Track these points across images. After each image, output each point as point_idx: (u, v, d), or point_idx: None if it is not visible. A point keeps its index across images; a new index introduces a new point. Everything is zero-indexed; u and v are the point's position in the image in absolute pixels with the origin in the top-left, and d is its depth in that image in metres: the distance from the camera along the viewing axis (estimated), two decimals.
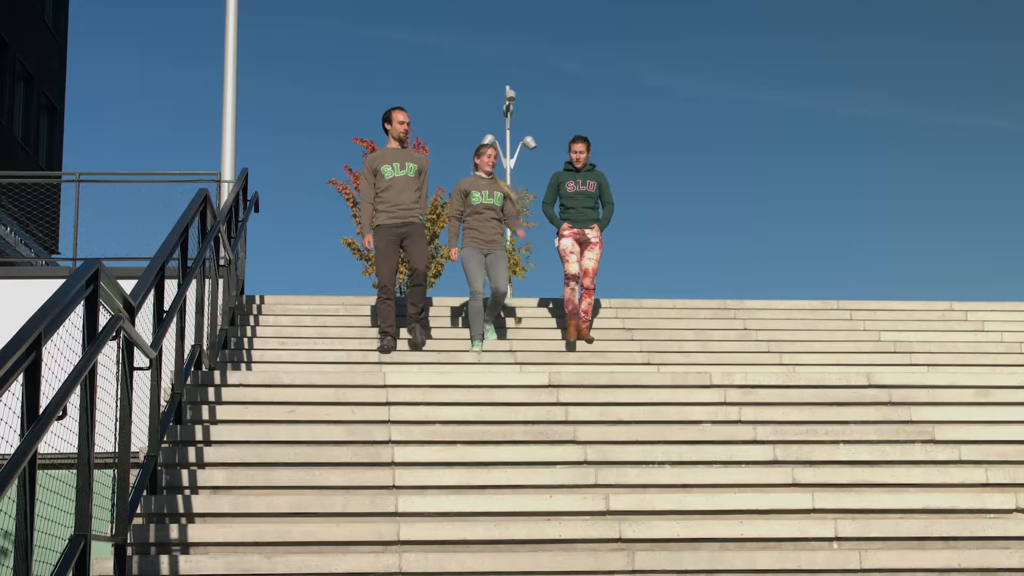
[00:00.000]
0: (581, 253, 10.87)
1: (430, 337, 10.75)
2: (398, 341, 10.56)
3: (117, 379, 6.13)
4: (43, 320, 4.59)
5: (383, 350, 10.27)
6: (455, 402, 8.30)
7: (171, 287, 7.85)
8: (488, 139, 30.90)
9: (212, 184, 15.01)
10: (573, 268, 10.74)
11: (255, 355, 10.21)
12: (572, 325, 10.71)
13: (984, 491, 7.38)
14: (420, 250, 10.62)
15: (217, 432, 7.77)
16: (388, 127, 10.95)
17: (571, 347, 10.65)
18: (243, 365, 9.99)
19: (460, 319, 11.22)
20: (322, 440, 7.74)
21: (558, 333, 11.05)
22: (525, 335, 11.02)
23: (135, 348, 6.29)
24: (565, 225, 10.93)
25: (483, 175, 11.06)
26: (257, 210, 13.50)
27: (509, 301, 12.41)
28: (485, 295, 10.64)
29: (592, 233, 10.93)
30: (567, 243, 10.86)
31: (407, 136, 11.02)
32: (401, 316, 10.93)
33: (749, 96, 59.95)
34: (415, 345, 10.38)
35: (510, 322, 11.22)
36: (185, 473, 7.11)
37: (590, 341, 10.72)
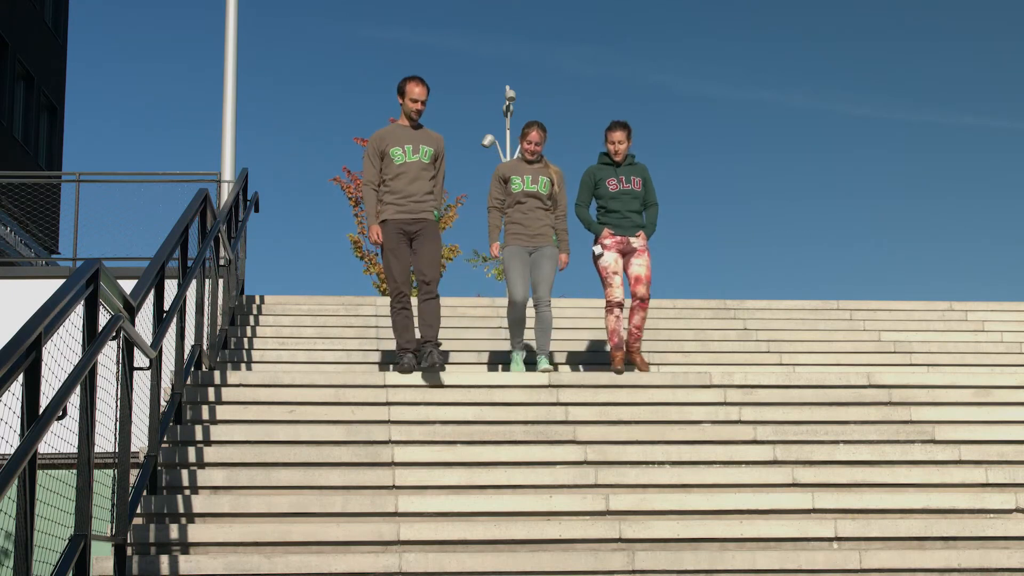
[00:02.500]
0: (627, 263, 9.24)
1: (448, 361, 9.49)
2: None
3: (117, 379, 6.13)
4: (43, 320, 4.60)
5: (402, 368, 8.62)
6: (455, 402, 8.29)
7: (171, 287, 7.86)
8: (488, 139, 30.91)
9: (212, 184, 15.02)
10: (617, 294, 9.13)
11: (255, 355, 10.20)
12: (618, 356, 9.13)
13: (984, 491, 7.38)
14: (431, 254, 8.91)
15: (217, 432, 7.77)
16: (401, 101, 9.10)
17: (619, 373, 8.98)
18: (243, 365, 9.99)
19: (461, 320, 11.19)
20: (322, 440, 7.74)
21: (555, 334, 11.04)
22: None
23: (135, 348, 6.29)
24: (606, 231, 9.24)
25: (527, 159, 9.50)
26: (257, 210, 13.51)
27: None
28: (525, 302, 9.30)
29: (638, 242, 9.26)
30: (610, 259, 9.17)
31: (419, 116, 9.10)
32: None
33: (749, 96, 59.97)
34: (431, 365, 8.57)
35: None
36: (185, 473, 7.11)
37: (645, 368, 9.20)
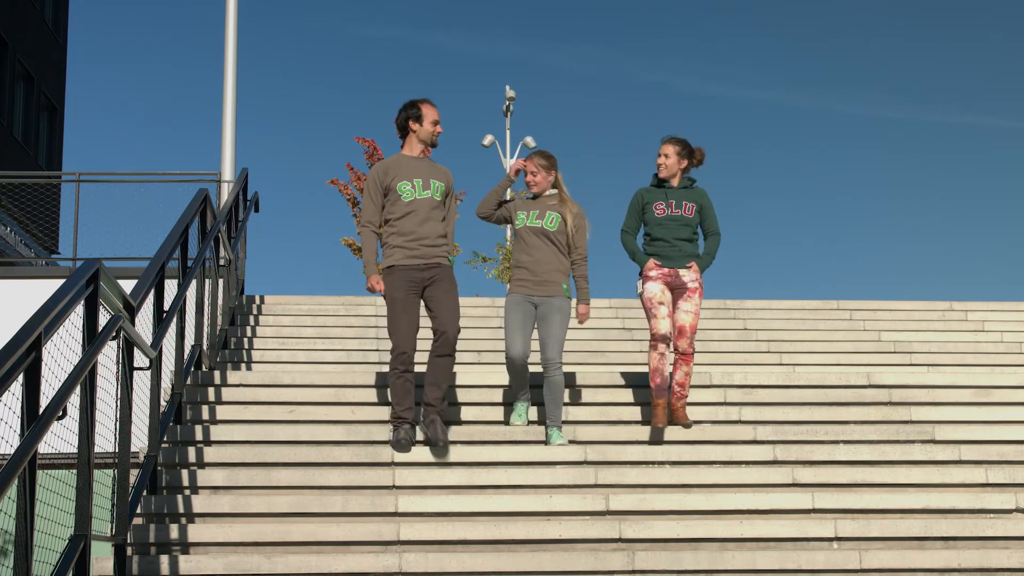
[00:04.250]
0: (674, 302, 8.00)
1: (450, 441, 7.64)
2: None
3: (117, 379, 6.13)
4: (43, 320, 4.60)
5: (399, 445, 7.39)
6: (455, 402, 8.29)
7: (171, 287, 7.86)
8: (488, 139, 30.88)
9: (212, 184, 15.03)
10: (663, 326, 7.88)
11: (255, 355, 10.20)
12: (660, 406, 7.85)
13: (984, 491, 7.38)
14: (450, 305, 7.55)
15: (217, 432, 7.77)
16: (414, 127, 7.71)
17: (658, 436, 7.82)
18: (243, 365, 9.99)
19: (460, 320, 11.14)
20: (322, 440, 7.74)
21: None
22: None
23: (135, 348, 6.29)
24: (651, 262, 7.99)
25: (540, 192, 8.04)
26: (257, 210, 13.52)
27: None
28: (524, 358, 7.79)
29: (689, 275, 7.98)
30: (654, 290, 7.93)
31: (436, 143, 7.86)
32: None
33: (749, 96, 59.97)
34: (434, 442, 7.41)
35: None
36: (185, 473, 7.11)
37: (688, 426, 7.93)
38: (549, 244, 7.90)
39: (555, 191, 8.03)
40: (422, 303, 7.63)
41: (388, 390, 7.75)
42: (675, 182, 8.15)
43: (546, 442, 7.73)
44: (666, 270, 8.00)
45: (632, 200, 8.21)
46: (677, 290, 8.01)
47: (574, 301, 8.05)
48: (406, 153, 7.80)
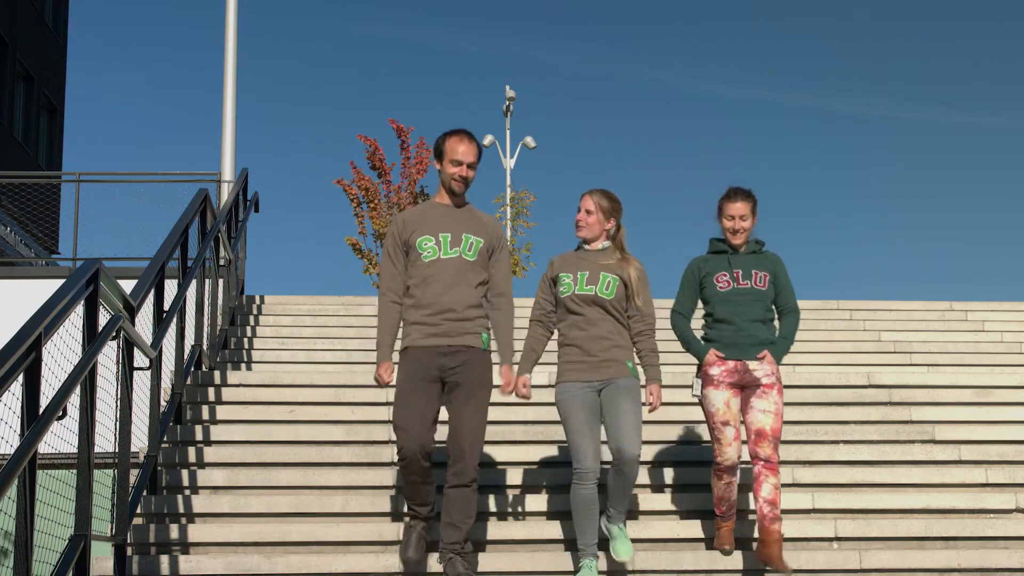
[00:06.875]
0: (745, 402, 6.31)
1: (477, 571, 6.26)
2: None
3: (117, 379, 6.14)
4: (43, 320, 4.60)
5: (410, 566, 6.14)
6: None
7: (171, 287, 7.86)
8: (488, 139, 30.82)
9: (212, 184, 15.05)
10: (729, 454, 6.29)
11: (255, 355, 10.21)
12: (725, 531, 6.47)
13: (984, 491, 7.38)
14: (474, 416, 5.95)
15: (217, 432, 7.77)
16: (439, 166, 6.17)
17: (726, 554, 6.47)
18: (243, 365, 9.99)
19: None
20: (322, 440, 7.74)
21: None
22: (525, 335, 10.98)
23: (135, 348, 6.30)
24: (712, 354, 6.30)
25: (587, 246, 6.34)
26: (257, 210, 13.53)
27: None
28: (598, 472, 6.10)
29: (762, 370, 6.29)
30: (717, 403, 6.27)
31: (464, 188, 6.16)
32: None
33: (749, 95, 59.99)
34: None
35: None
36: (185, 473, 7.11)
37: (786, 569, 6.14)
38: (606, 315, 6.20)
39: (608, 244, 6.33)
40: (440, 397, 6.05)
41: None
42: (741, 244, 6.47)
43: (607, 543, 6.19)
44: (731, 364, 6.30)
45: (685, 273, 6.52)
46: (748, 387, 6.32)
47: (643, 380, 6.34)
48: (436, 200, 6.24)
